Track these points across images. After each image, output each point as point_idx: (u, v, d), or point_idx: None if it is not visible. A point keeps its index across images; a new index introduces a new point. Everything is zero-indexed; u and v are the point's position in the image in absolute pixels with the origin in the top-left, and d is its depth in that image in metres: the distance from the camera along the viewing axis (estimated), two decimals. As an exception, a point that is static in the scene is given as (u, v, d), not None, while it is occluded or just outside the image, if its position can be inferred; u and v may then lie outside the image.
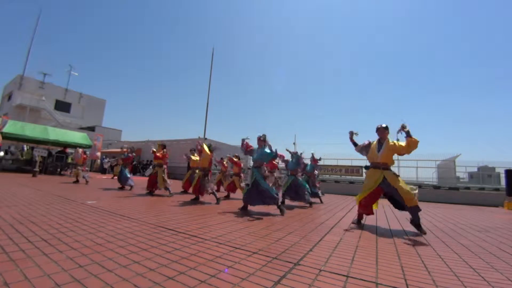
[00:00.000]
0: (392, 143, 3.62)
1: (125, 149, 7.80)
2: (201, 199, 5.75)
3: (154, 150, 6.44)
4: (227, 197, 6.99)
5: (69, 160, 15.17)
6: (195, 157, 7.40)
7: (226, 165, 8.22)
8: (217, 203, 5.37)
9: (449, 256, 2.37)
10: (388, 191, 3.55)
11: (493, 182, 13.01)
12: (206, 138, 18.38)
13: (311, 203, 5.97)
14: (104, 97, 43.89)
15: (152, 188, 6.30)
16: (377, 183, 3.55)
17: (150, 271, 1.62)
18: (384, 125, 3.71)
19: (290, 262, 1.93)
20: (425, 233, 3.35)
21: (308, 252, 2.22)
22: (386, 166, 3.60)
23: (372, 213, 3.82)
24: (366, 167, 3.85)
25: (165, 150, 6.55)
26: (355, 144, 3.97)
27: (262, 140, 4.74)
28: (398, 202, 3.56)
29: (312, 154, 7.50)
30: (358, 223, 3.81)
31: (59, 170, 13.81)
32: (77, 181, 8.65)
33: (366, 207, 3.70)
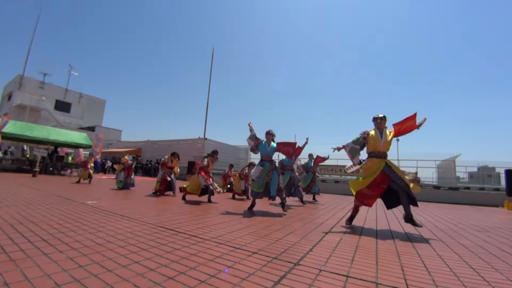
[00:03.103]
0: (389, 132, 3.63)
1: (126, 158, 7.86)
2: (198, 198, 5.76)
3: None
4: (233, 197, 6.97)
5: (69, 160, 15.19)
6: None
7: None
8: (209, 200, 5.47)
9: (449, 256, 2.37)
10: (392, 176, 3.43)
11: (493, 182, 13.02)
12: (206, 138, 18.36)
13: (304, 202, 6.01)
14: (104, 97, 44.04)
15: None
16: (380, 169, 3.44)
17: (150, 271, 1.62)
18: (381, 115, 3.68)
19: (290, 262, 1.93)
20: (421, 226, 3.37)
21: (308, 252, 2.22)
22: (386, 155, 3.58)
23: (370, 205, 3.60)
24: (361, 161, 3.74)
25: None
26: (353, 145, 3.80)
27: (271, 134, 4.78)
28: (391, 198, 3.51)
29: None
30: (350, 221, 3.65)
31: (57, 169, 13.81)
32: (87, 182, 8.77)
33: (365, 197, 3.55)
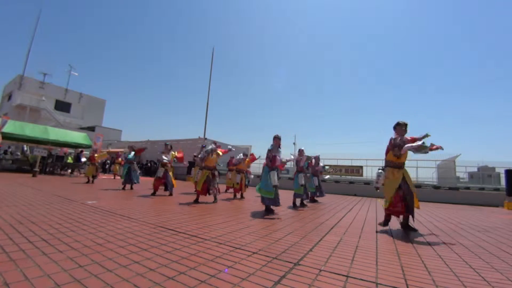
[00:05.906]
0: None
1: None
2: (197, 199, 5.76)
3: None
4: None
5: (69, 160, 15.18)
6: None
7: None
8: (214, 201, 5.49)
9: (449, 256, 2.37)
10: (404, 188, 3.47)
11: (493, 182, 12.99)
12: (206, 138, 18.35)
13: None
14: (104, 97, 44.09)
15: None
16: (399, 182, 3.45)
17: (150, 271, 1.62)
18: (406, 122, 3.55)
19: (290, 262, 1.93)
20: (416, 230, 3.43)
21: (308, 252, 2.22)
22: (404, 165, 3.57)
23: (403, 212, 3.51)
24: (383, 168, 3.65)
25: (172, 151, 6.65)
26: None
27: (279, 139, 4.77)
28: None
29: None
30: (386, 225, 3.62)
31: (58, 170, 13.81)
32: (91, 181, 8.79)
33: (395, 208, 3.51)
